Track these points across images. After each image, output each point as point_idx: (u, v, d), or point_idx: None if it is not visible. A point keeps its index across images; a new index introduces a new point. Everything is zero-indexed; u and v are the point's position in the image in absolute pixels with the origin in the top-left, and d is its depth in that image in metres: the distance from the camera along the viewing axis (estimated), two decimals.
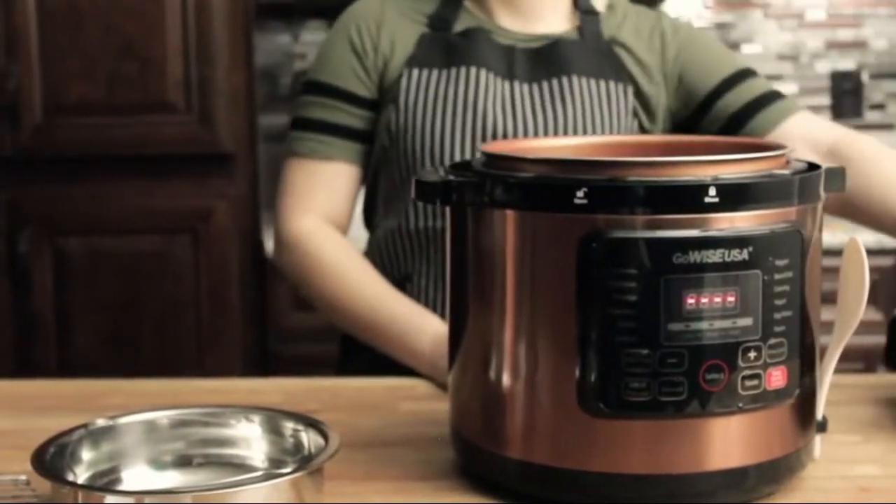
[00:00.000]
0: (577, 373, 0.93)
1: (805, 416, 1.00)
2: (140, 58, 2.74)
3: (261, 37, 3.09)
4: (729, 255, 0.91)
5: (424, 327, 1.43)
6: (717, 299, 0.91)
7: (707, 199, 0.90)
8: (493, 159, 1.02)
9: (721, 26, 3.50)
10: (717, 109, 1.59)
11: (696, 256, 0.90)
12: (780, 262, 0.93)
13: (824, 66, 3.51)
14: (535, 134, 1.53)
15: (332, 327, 1.58)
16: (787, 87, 3.50)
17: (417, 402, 1.30)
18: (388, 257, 1.60)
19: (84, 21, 2.75)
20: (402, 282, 1.57)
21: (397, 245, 1.58)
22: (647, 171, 0.91)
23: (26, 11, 2.76)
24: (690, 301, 0.90)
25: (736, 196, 0.91)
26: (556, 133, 1.54)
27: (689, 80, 1.61)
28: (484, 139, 1.52)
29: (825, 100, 3.51)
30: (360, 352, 1.56)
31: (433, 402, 1.29)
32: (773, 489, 0.99)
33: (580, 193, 0.91)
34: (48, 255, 2.81)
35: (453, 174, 1.01)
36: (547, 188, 0.93)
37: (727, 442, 0.95)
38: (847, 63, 3.51)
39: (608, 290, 0.91)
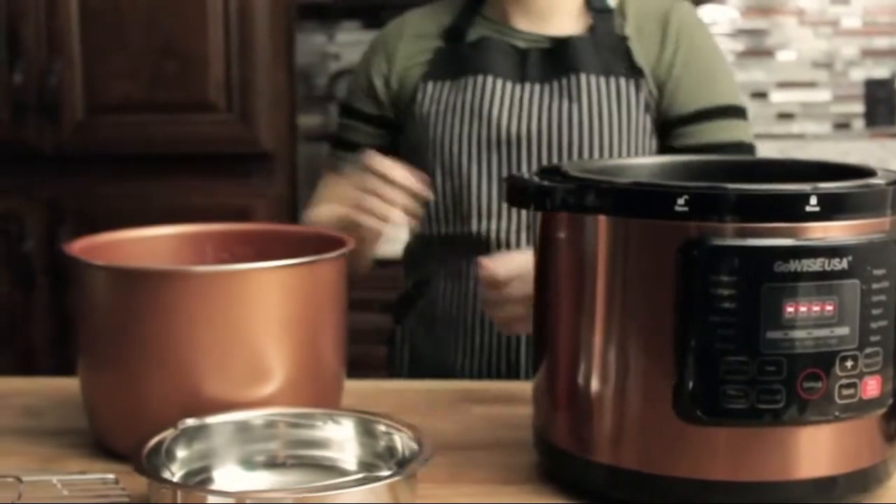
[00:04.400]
0: (674, 379, 0.93)
1: (894, 426, 1.00)
2: (181, 57, 2.75)
3: (297, 37, 3.09)
4: (829, 265, 0.91)
5: None
6: (816, 308, 0.91)
7: (808, 209, 0.90)
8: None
9: (755, 33, 3.49)
10: (676, 135, 1.57)
11: (796, 265, 0.90)
12: (878, 272, 0.93)
13: (859, 74, 3.50)
14: (547, 134, 1.53)
15: (378, 328, 1.62)
16: (820, 95, 3.50)
17: (489, 406, 1.30)
18: (410, 263, 1.67)
19: (126, 20, 2.75)
20: (422, 284, 1.64)
21: (416, 251, 1.65)
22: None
23: (69, 10, 2.76)
24: (790, 309, 0.91)
25: (835, 206, 0.92)
26: (566, 131, 1.52)
27: (667, 95, 1.57)
28: (491, 144, 1.53)
29: (859, 108, 3.50)
30: (407, 353, 1.60)
31: (504, 406, 1.30)
32: (860, 499, 0.99)
33: (681, 201, 0.91)
34: None
35: (547, 179, 1.01)
36: (647, 195, 0.93)
37: (819, 450, 0.95)
38: (882, 71, 3.50)
39: (708, 297, 0.91)
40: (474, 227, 1.54)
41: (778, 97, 3.47)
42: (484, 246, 1.54)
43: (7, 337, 2.88)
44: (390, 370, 1.70)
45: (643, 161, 1.20)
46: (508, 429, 1.21)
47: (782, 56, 3.50)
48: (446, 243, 1.58)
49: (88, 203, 2.84)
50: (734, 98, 1.61)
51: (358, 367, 2.05)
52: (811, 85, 3.50)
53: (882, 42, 3.50)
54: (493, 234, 1.53)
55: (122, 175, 2.83)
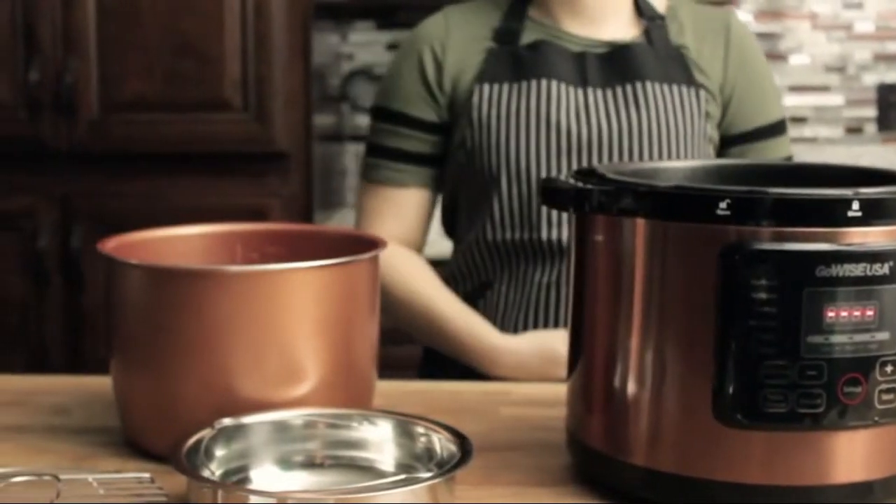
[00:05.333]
0: (713, 383, 0.93)
1: None
2: (198, 56, 2.75)
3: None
4: (870, 270, 0.91)
5: (494, 333, 1.53)
6: (857, 313, 0.91)
7: (850, 213, 0.91)
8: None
9: (768, 37, 3.49)
10: (735, 151, 1.64)
11: (837, 270, 0.90)
12: None
13: (871, 79, 3.51)
14: (610, 140, 1.53)
15: (391, 328, 1.62)
16: (833, 99, 3.50)
17: (517, 408, 1.30)
18: (470, 265, 1.63)
19: (143, 18, 2.76)
20: (482, 288, 1.61)
21: (475, 255, 1.61)
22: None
23: (85, 8, 2.77)
24: (830, 314, 0.91)
25: (876, 211, 0.92)
26: (630, 138, 1.54)
27: (731, 111, 1.63)
28: (559, 150, 1.53)
29: (871, 112, 3.51)
30: (444, 355, 1.59)
31: (532, 408, 1.30)
32: None
33: (723, 205, 0.91)
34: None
35: (584, 182, 1.01)
36: (687, 198, 0.93)
37: (856, 455, 0.95)
38: (895, 76, 3.50)
39: (749, 301, 0.91)
40: (543, 235, 1.54)
41: (790, 101, 3.47)
42: (552, 253, 1.54)
43: (20, 334, 2.88)
44: (423, 371, 1.70)
45: (676, 164, 1.20)
46: (538, 430, 1.21)
47: (795, 60, 3.50)
48: (511, 249, 1.57)
49: (103, 201, 2.85)
50: (782, 110, 1.67)
51: (391, 367, 2.06)
52: (824, 89, 3.50)
53: (895, 46, 3.50)
54: (564, 243, 1.53)
55: (136, 173, 2.83)
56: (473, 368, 1.53)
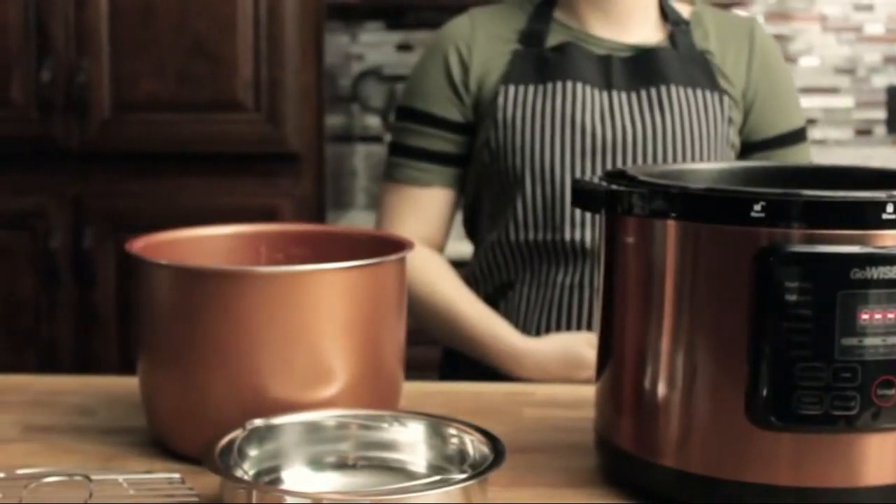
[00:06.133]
0: (747, 385, 0.93)
1: None
2: (210, 56, 2.75)
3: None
4: None
5: (516, 336, 1.54)
6: (891, 315, 0.91)
7: (885, 216, 0.91)
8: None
9: (778, 38, 3.49)
10: (756, 157, 1.65)
11: (872, 272, 0.90)
12: None
13: (881, 81, 3.51)
14: (634, 143, 1.54)
15: (424, 329, 1.62)
16: (842, 101, 3.51)
17: (540, 409, 1.30)
18: (491, 266, 1.63)
19: (155, 18, 2.76)
20: (503, 289, 1.61)
21: (497, 256, 1.61)
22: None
23: (98, 7, 2.76)
24: (864, 316, 0.91)
25: None
26: (654, 141, 1.55)
27: (752, 117, 1.64)
28: (584, 151, 1.53)
29: (881, 114, 3.51)
30: (463, 355, 1.59)
31: (555, 409, 1.30)
32: None
33: (758, 207, 0.91)
34: (112, 251, 2.82)
35: (615, 184, 1.01)
36: (722, 200, 0.93)
37: (887, 458, 0.95)
38: None
39: (783, 303, 0.91)
40: (567, 236, 1.54)
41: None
42: (574, 254, 1.54)
43: (31, 334, 2.88)
44: (443, 372, 1.70)
45: (702, 166, 1.20)
46: (562, 431, 1.21)
47: (805, 62, 3.50)
48: (533, 250, 1.57)
49: (114, 201, 2.85)
50: (803, 118, 1.69)
51: (411, 368, 2.06)
52: (833, 91, 3.50)
53: None
54: (587, 244, 1.53)
55: (148, 174, 2.83)
56: (494, 369, 1.54)
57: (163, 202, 2.81)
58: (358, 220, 3.25)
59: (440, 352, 1.72)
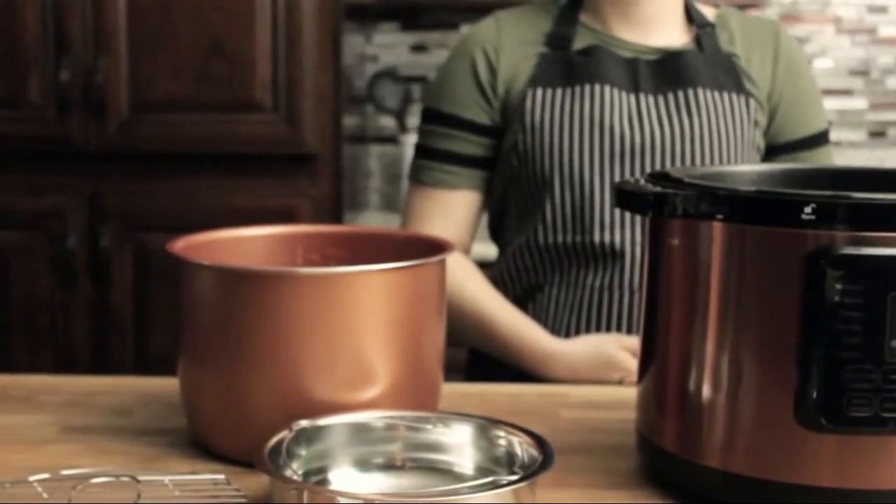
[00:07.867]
0: (796, 387, 0.93)
1: None
2: (228, 57, 2.76)
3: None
4: None
5: (547, 338, 1.54)
6: None
7: None
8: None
9: None
10: (780, 160, 1.65)
11: None
12: None
13: (895, 82, 3.51)
14: (662, 145, 1.54)
15: (451, 331, 1.61)
16: (856, 103, 3.51)
17: (576, 410, 1.30)
18: (520, 269, 1.64)
19: (174, 19, 2.76)
20: (532, 292, 1.62)
21: (526, 258, 1.62)
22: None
23: (116, 7, 2.77)
24: None
25: None
26: (682, 144, 1.55)
27: (777, 120, 1.64)
28: (612, 154, 1.54)
29: (895, 116, 3.51)
30: (490, 357, 1.59)
31: (591, 410, 1.30)
32: None
33: (808, 209, 0.91)
34: (129, 251, 2.83)
35: (661, 185, 1.01)
36: (773, 203, 0.93)
37: None
38: None
39: (833, 306, 0.91)
40: (596, 238, 1.54)
41: None
42: (604, 256, 1.54)
43: (48, 333, 2.88)
44: (470, 373, 1.70)
45: (741, 168, 1.20)
46: (600, 433, 1.21)
47: (819, 63, 3.50)
48: (562, 252, 1.58)
49: (131, 201, 2.85)
50: (826, 120, 1.70)
51: None
52: (847, 93, 3.50)
53: None
54: (616, 246, 1.53)
55: (166, 174, 2.84)
56: (523, 371, 1.54)
57: (180, 202, 2.81)
58: (372, 221, 3.25)
59: (466, 353, 1.72)
